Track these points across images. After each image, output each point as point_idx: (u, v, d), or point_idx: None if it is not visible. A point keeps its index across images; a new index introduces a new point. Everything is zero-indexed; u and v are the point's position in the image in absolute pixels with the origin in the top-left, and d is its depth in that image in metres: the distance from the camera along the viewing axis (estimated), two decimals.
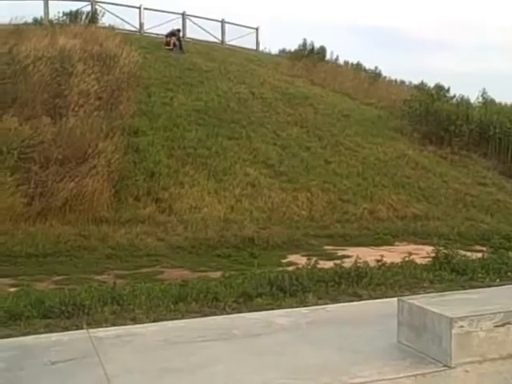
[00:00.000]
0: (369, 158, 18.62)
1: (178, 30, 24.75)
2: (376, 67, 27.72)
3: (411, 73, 38.79)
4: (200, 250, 12.72)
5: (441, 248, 9.38)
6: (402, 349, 4.36)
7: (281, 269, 9.61)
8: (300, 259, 11.27)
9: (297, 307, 6.34)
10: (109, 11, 24.77)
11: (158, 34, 24.83)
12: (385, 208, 16.07)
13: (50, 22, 23.08)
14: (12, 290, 9.13)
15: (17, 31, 19.88)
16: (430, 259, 9.38)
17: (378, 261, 9.12)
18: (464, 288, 7.51)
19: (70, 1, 24.09)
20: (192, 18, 26.63)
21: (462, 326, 4.00)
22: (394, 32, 61.21)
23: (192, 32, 26.18)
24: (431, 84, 23.73)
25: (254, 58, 26.00)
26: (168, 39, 23.68)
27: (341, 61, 28.93)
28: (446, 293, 5.60)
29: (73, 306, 6.64)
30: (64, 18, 23.43)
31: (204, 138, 17.46)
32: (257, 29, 28.92)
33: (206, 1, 35.41)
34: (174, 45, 23.40)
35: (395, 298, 4.80)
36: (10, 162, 13.72)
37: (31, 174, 13.78)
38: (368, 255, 10.55)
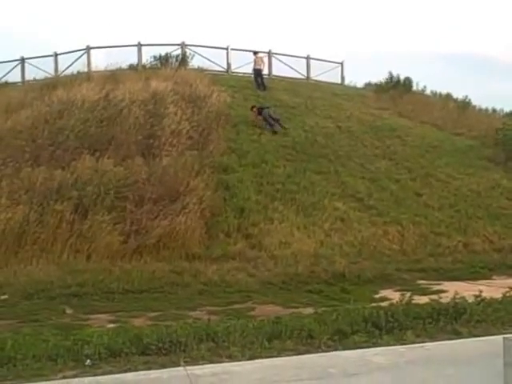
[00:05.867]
0: (461, 189, 18.09)
1: (255, 52, 24.07)
2: (465, 96, 27.08)
3: (503, 100, 37.55)
4: (291, 286, 12.70)
5: None
6: None
7: (374, 304, 9.42)
8: (393, 294, 11.03)
9: (394, 345, 6.18)
10: (198, 53, 25.65)
11: (244, 73, 25.36)
12: (480, 240, 15.51)
13: (143, 66, 24.14)
14: (110, 325, 9.42)
15: (113, 76, 20.94)
16: None
17: (476, 296, 8.77)
18: None
19: (161, 46, 25.16)
20: (278, 56, 27.05)
21: None
22: (482, 59, 59.64)
23: (278, 69, 26.58)
24: None
25: (340, 92, 26.02)
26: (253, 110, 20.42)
27: (428, 91, 28.50)
28: None
29: (170, 342, 6.75)
30: (156, 62, 24.48)
31: (292, 173, 17.55)
32: (341, 63, 28.96)
33: (291, 39, 35.92)
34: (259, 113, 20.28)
35: (499, 336, 4.61)
36: (107, 202, 14.30)
37: (126, 213, 14.30)
38: (465, 290, 10.17)
